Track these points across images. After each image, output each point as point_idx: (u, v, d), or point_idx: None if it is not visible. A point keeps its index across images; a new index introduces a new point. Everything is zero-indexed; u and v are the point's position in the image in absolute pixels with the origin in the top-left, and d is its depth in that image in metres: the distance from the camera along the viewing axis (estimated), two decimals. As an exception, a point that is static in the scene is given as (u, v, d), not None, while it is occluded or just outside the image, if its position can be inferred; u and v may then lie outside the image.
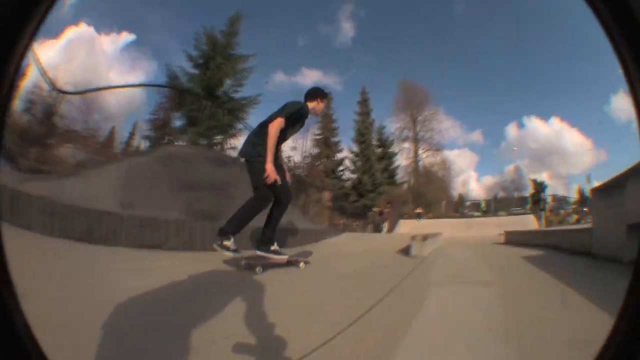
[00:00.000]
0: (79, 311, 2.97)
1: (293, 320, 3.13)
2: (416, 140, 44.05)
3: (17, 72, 0.87)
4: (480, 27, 52.86)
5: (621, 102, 42.38)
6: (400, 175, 42.39)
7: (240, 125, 23.48)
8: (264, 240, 5.54)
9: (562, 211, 33.61)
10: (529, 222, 24.94)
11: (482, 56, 55.14)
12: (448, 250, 10.21)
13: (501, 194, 41.63)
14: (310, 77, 51.63)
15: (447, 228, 20.51)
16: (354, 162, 36.71)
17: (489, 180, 46.37)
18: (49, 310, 2.65)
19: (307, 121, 6.08)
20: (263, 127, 5.35)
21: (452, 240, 13.56)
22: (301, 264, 5.86)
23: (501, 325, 3.12)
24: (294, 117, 5.56)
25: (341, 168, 37.27)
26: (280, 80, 44.31)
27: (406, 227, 26.19)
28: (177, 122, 22.47)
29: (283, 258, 5.66)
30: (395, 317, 3.46)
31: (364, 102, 38.98)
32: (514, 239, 12.78)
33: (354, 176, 36.65)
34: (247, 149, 5.41)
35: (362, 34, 51.20)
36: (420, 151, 44.25)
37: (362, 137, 37.63)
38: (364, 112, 38.67)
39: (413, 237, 8.19)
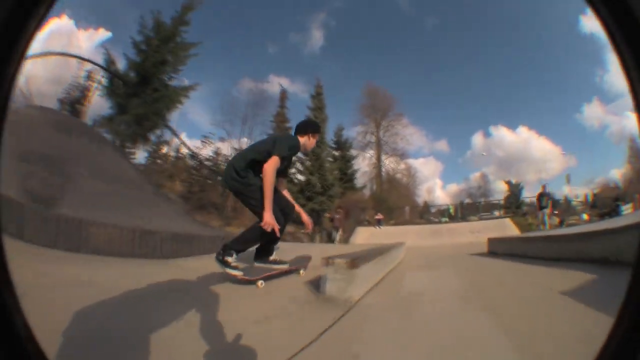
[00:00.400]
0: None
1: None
2: (379, 145, 44.29)
3: (17, 72, 0.87)
4: (449, 37, 54.47)
5: (593, 111, 44.40)
6: (362, 181, 41.20)
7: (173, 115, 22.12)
8: (263, 251, 5.19)
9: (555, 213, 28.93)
10: (507, 226, 22.30)
11: (449, 66, 57.55)
12: (410, 276, 6.49)
13: (467, 200, 41.85)
14: (275, 83, 54.30)
15: (411, 236, 19.24)
16: (302, 162, 31.90)
17: (454, 187, 47.64)
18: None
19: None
20: (251, 162, 4.76)
21: (417, 252, 11.38)
22: (301, 271, 5.62)
23: None
24: (288, 156, 5.03)
25: (291, 170, 31.21)
26: (248, 87, 43.74)
27: (363, 235, 24.23)
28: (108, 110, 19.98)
29: (283, 267, 5.36)
30: None
31: (317, 96, 36.54)
32: (502, 248, 9.20)
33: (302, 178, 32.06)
34: (234, 185, 4.82)
35: (332, 42, 54.05)
36: (383, 157, 44.40)
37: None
38: (317, 107, 36.01)
39: (328, 261, 4.43)
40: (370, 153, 44.28)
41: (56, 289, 3.53)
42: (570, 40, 47.24)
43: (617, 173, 26.45)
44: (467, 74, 55.25)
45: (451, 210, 36.88)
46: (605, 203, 27.37)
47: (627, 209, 22.78)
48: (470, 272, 6.74)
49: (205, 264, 5.47)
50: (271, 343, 2.86)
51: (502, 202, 34.29)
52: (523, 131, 48.44)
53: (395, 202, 39.41)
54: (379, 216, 28.84)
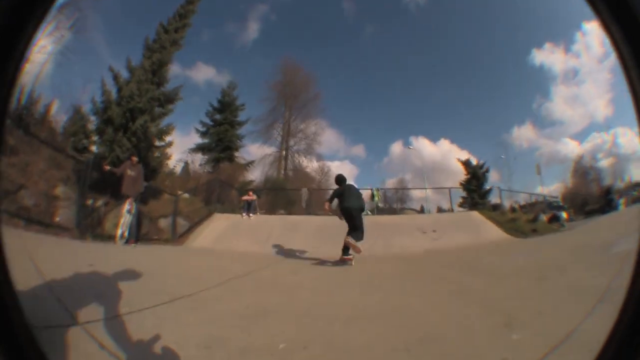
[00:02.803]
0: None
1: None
2: (288, 127, 40.92)
3: (17, 72, 0.89)
4: (385, 38, 55.25)
5: (524, 133, 47.65)
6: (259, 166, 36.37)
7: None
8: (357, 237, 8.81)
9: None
10: (479, 222, 14.91)
11: (378, 69, 58.31)
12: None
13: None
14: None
15: (303, 237, 12.84)
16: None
17: (367, 192, 45.27)
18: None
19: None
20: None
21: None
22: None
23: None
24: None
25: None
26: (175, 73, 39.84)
27: (212, 229, 14.36)
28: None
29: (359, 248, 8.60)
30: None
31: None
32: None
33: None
34: (358, 210, 9.32)
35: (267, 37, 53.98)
36: (292, 142, 40.68)
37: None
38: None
39: None
40: (275, 134, 40.66)
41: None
42: (517, 68, 50.65)
43: (541, 189, 27.62)
44: (395, 80, 56.48)
45: (376, 197, 25.91)
46: (592, 199, 26.55)
47: (622, 203, 21.14)
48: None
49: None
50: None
51: (459, 188, 26.25)
52: (444, 144, 50.22)
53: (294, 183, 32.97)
54: (249, 197, 17.91)
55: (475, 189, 24.56)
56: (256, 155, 38.36)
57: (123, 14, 45.35)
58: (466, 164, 26.20)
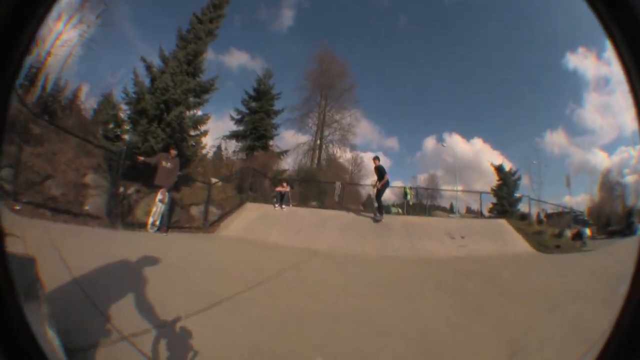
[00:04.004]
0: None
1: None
2: (323, 117, 40.25)
3: (17, 72, 0.91)
4: (424, 35, 54.17)
5: (556, 139, 45.92)
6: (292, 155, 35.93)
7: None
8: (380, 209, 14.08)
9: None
10: (505, 232, 14.68)
11: (416, 63, 55.27)
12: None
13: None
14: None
15: (330, 232, 13.10)
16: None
17: (399, 185, 44.00)
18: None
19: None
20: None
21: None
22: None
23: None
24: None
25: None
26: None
27: (246, 218, 15.03)
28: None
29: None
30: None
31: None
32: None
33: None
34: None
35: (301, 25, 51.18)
36: (327, 133, 39.94)
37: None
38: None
39: None
40: (310, 123, 40.07)
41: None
42: (552, 70, 48.48)
43: (569, 199, 26.67)
44: (434, 75, 55.06)
45: (409, 195, 25.84)
46: (614, 220, 25.12)
47: (641, 228, 20.04)
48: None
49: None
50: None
51: (490, 193, 24.79)
52: (477, 142, 48.95)
53: (327, 176, 31.60)
54: (283, 188, 17.71)
55: (505, 196, 23.60)
56: (290, 142, 37.67)
57: (153, 3, 45.63)
58: (499, 169, 25.21)
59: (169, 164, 11.23)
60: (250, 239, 11.98)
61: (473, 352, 3.84)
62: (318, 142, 39.95)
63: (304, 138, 39.69)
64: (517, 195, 24.05)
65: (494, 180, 25.10)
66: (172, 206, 11.47)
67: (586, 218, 23.80)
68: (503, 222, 16.31)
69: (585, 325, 4.52)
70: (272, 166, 27.57)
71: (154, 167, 11.29)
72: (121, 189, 11.82)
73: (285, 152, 32.69)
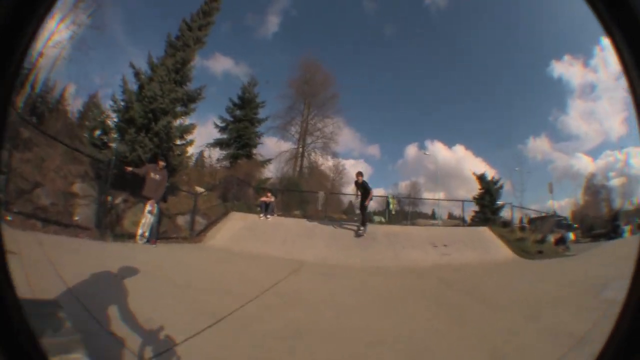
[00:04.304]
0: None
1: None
2: (306, 125, 40.67)
3: (17, 72, 0.91)
4: (407, 42, 54.90)
5: (539, 145, 46.93)
6: (274, 164, 35.49)
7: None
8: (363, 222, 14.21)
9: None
10: (488, 239, 15.03)
11: (399, 71, 57.77)
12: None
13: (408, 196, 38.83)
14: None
15: (315, 243, 13.23)
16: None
17: (380, 192, 42.14)
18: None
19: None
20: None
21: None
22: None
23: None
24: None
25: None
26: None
27: (231, 228, 14.94)
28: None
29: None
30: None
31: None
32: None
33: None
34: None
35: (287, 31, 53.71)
36: (309, 140, 40.43)
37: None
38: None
39: None
40: (293, 131, 40.50)
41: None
42: (536, 78, 49.70)
43: (552, 204, 27.02)
44: (416, 84, 55.75)
45: (391, 205, 26.29)
46: (599, 223, 26.09)
47: (627, 230, 20.62)
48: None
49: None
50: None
51: (473, 201, 24.98)
52: (459, 149, 49.69)
53: (309, 185, 31.76)
54: (268, 198, 17.98)
55: (488, 204, 23.64)
56: (272, 150, 38.17)
57: (144, 5, 45.45)
58: (481, 178, 25.11)
59: (157, 175, 11.16)
60: (238, 249, 12.00)
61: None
62: (300, 150, 40.34)
63: (286, 146, 40.18)
64: (500, 203, 24.25)
65: (476, 186, 25.16)
66: (160, 217, 11.40)
67: (570, 222, 24.58)
68: (485, 230, 16.69)
69: (562, 330, 4.77)
70: (255, 175, 27.61)
71: (142, 177, 11.22)
72: (108, 198, 11.73)
73: (269, 160, 33.07)
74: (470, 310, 6.29)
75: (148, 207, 10.73)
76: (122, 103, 16.50)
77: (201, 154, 29.45)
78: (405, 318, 5.63)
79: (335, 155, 41.21)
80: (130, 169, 11.76)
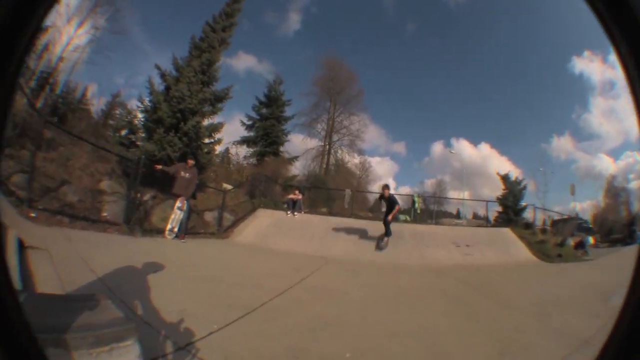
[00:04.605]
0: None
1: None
2: (332, 123, 40.83)
3: (17, 72, 0.90)
4: (430, 39, 54.34)
5: (563, 144, 45.64)
6: (302, 161, 36.53)
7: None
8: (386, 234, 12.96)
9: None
10: (510, 241, 15.11)
11: (423, 69, 59.27)
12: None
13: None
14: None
15: (341, 240, 13.63)
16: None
17: (406, 190, 44.44)
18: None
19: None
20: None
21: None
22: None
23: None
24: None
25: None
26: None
27: (258, 225, 15.28)
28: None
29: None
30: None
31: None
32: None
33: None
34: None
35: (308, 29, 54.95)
36: (335, 138, 40.55)
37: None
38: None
39: None
40: (319, 129, 40.80)
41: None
42: (558, 74, 48.60)
43: (574, 206, 26.26)
44: (441, 81, 55.59)
45: (417, 204, 26.37)
46: (617, 228, 25.57)
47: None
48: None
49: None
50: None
51: (496, 202, 24.77)
52: (484, 148, 48.89)
53: (336, 186, 31.05)
54: (295, 195, 18.23)
55: (511, 205, 23.65)
56: (299, 146, 38.66)
57: (159, 9, 45.99)
58: (505, 178, 25.20)
59: (187, 174, 11.42)
60: (265, 246, 12.29)
61: (468, 353, 4.17)
62: (327, 147, 40.68)
63: (312, 143, 40.62)
64: (523, 204, 23.98)
65: (500, 186, 25.15)
66: (189, 214, 11.61)
67: (590, 225, 24.47)
68: (507, 231, 16.72)
69: (570, 333, 4.90)
70: (282, 172, 27.75)
71: (172, 175, 11.51)
72: (138, 195, 11.96)
73: (296, 158, 33.22)
74: (488, 309, 6.39)
75: (178, 204, 11.01)
76: (150, 103, 16.78)
77: (227, 151, 29.87)
78: (426, 314, 5.74)
79: (361, 152, 41.64)
80: (160, 167, 12.07)
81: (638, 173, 32.98)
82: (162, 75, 17.61)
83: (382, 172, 48.38)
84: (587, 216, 28.46)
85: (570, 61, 51.66)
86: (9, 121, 0.91)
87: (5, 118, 0.88)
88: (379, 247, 12.95)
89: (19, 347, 0.90)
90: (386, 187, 13.52)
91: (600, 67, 45.52)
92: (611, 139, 49.94)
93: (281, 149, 30.94)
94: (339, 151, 40.94)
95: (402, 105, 58.70)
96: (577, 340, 4.50)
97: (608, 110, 45.06)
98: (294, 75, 64.05)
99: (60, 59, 18.85)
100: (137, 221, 11.26)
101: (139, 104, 17.10)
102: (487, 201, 25.48)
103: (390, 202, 13.14)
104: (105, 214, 10.60)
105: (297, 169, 33.29)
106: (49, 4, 0.93)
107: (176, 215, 10.95)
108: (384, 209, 13.53)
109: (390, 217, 12.80)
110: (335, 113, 41.69)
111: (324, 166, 39.18)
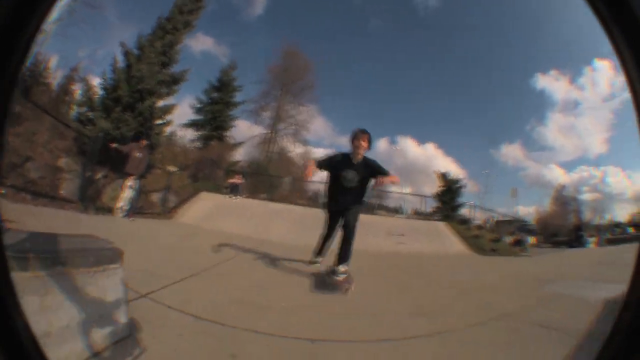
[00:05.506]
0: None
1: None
2: (280, 111, 39.49)
3: (17, 72, 0.92)
4: (390, 35, 54.37)
5: (511, 151, 47.64)
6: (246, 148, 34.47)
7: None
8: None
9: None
10: (443, 233, 15.67)
11: (379, 63, 54.94)
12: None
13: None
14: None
15: (280, 223, 13.81)
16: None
17: None
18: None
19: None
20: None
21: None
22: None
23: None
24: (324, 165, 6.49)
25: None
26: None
27: (201, 207, 15.44)
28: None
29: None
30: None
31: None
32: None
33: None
34: None
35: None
36: (282, 126, 39.28)
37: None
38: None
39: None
40: (266, 116, 39.38)
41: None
42: (518, 87, 49.49)
43: (518, 208, 28.13)
44: (396, 78, 54.97)
45: None
46: (563, 232, 26.87)
47: (592, 242, 21.47)
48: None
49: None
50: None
51: (434, 198, 24.88)
52: (430, 147, 49.90)
53: (276, 169, 30.72)
54: (237, 179, 19.15)
55: (448, 201, 24.03)
56: (243, 132, 36.72)
57: None
58: (443, 176, 25.73)
59: (139, 153, 11.52)
60: (208, 226, 12.49)
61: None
62: (272, 135, 39.49)
63: (257, 130, 39.02)
64: (460, 202, 24.82)
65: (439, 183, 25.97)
66: (139, 193, 11.79)
67: (534, 227, 25.50)
68: (442, 225, 17.52)
69: (486, 304, 5.27)
70: (226, 157, 27.66)
71: (125, 154, 11.57)
72: (89, 173, 12.09)
73: (240, 143, 32.59)
74: (410, 281, 7.25)
75: (129, 183, 11.10)
76: (111, 81, 16.66)
77: (174, 133, 29.19)
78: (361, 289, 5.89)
79: (306, 142, 41.06)
80: (114, 145, 12.14)
81: (593, 187, 34.84)
82: (125, 54, 17.43)
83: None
84: (532, 220, 29.91)
85: (533, 77, 52.94)
86: (9, 120, 0.95)
87: (5, 117, 0.93)
88: (331, 287, 5.97)
89: (19, 347, 0.95)
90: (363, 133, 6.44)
91: (566, 86, 47.06)
92: (566, 152, 51.18)
93: (227, 134, 30.51)
94: (284, 139, 40.63)
95: (353, 100, 58.20)
96: (494, 310, 4.80)
97: (568, 126, 46.37)
98: (252, 62, 62.38)
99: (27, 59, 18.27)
100: (91, 199, 11.38)
101: (101, 81, 16.88)
102: (423, 196, 26.25)
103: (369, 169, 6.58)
104: (62, 192, 10.65)
105: (240, 155, 31.89)
106: (49, 4, 0.98)
107: (127, 194, 11.07)
108: (348, 185, 6.49)
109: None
110: (284, 102, 40.89)
111: (267, 154, 38.67)
